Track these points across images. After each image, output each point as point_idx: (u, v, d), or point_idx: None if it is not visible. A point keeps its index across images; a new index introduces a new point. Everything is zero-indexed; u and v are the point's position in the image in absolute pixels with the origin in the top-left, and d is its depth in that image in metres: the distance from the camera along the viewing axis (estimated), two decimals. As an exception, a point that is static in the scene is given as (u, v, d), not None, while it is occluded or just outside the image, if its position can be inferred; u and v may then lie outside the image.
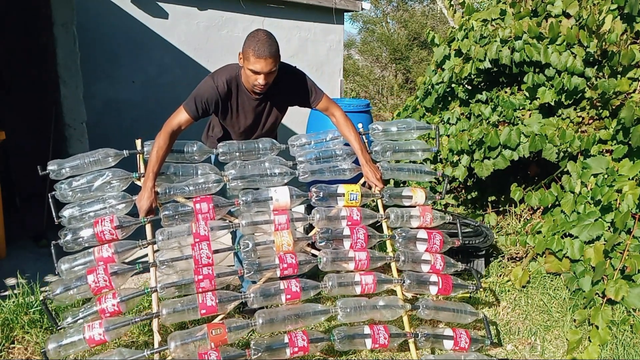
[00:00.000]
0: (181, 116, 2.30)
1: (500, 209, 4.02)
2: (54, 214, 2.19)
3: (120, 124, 4.93)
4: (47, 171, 2.23)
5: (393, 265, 2.42)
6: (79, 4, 4.24)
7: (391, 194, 2.51)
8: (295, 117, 4.28)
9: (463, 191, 4.44)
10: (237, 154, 2.41)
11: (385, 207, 2.53)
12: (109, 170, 2.24)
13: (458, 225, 2.65)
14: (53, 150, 4.01)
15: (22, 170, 3.41)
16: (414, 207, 2.54)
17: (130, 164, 2.37)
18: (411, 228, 2.51)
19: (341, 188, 2.40)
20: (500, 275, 3.29)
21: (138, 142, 2.34)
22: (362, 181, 2.54)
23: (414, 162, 2.82)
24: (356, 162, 2.53)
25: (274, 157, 2.46)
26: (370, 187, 2.52)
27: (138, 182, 2.28)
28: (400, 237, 2.43)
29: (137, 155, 2.34)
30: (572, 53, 3.26)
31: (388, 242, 2.47)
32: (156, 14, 5.10)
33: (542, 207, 3.50)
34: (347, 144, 2.56)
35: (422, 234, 2.47)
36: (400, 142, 2.67)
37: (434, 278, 2.41)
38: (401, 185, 4.25)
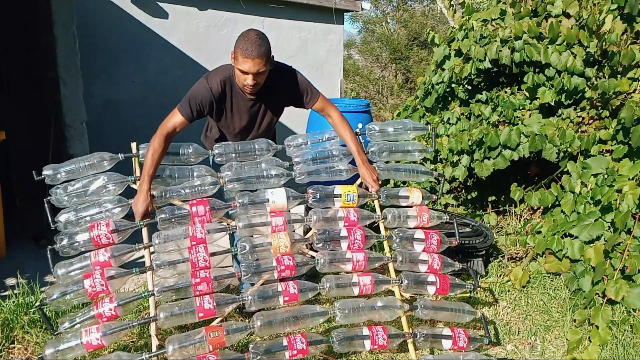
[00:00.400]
0: (176, 118, 2.28)
1: (500, 209, 4.01)
2: (49, 219, 2.18)
3: (120, 124, 4.93)
4: (43, 176, 2.22)
5: (391, 265, 2.41)
6: (79, 4, 4.24)
7: (388, 195, 2.49)
8: (294, 118, 4.27)
9: (463, 191, 4.43)
10: (234, 155, 2.39)
11: (382, 207, 2.52)
12: (105, 174, 2.23)
13: (455, 224, 2.64)
14: (53, 150, 4.01)
15: (22, 170, 3.42)
16: (411, 207, 2.54)
17: (126, 168, 2.37)
18: (408, 228, 2.51)
19: (338, 189, 2.39)
20: (500, 275, 3.28)
21: (133, 145, 2.33)
22: (358, 182, 2.53)
23: (414, 162, 2.81)
24: (353, 162, 2.52)
25: (270, 158, 2.44)
26: (367, 188, 2.51)
27: (134, 186, 2.26)
28: (397, 237, 2.42)
29: (133, 159, 2.32)
30: (572, 53, 3.25)
31: (385, 243, 2.46)
32: (156, 14, 5.10)
33: (542, 207, 3.49)
34: (344, 145, 2.54)
35: (419, 234, 2.46)
36: (397, 143, 2.65)
37: (431, 278, 2.40)
38: (400, 185, 4.24)
